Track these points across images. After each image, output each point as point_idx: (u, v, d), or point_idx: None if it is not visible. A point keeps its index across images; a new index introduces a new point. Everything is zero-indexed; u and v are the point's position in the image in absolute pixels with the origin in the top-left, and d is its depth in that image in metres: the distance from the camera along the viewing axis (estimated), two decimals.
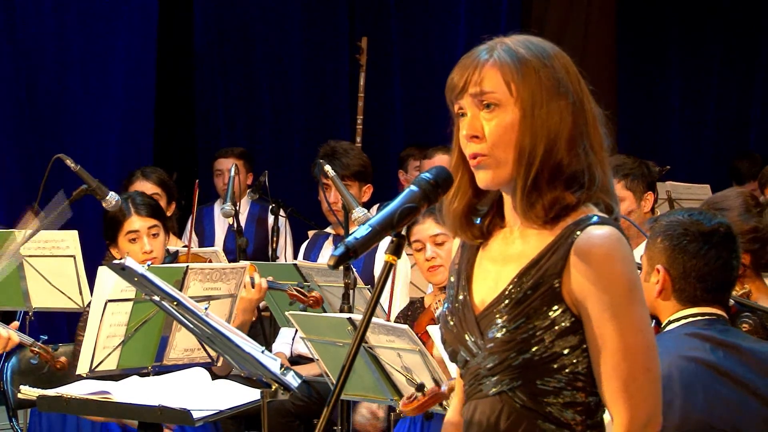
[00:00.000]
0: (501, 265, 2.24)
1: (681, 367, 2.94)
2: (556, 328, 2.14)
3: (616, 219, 2.20)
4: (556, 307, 2.15)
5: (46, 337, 4.34)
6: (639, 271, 3.05)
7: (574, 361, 2.15)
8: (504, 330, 2.17)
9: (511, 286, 2.18)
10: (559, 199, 2.16)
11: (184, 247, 5.65)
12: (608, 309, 2.11)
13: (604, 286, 2.10)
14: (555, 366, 2.15)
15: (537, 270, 2.17)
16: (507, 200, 2.24)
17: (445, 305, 2.33)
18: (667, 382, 2.73)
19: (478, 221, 2.29)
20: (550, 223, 2.18)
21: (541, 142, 2.14)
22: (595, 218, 2.15)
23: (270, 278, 4.66)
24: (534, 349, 2.15)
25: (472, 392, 2.27)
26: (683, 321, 3.03)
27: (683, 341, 2.99)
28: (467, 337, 2.25)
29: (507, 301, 2.18)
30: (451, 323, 2.29)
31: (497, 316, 2.19)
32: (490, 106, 2.17)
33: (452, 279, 2.34)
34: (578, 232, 2.13)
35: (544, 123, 2.14)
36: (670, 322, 3.05)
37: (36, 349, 4.26)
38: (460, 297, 2.28)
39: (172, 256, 5.00)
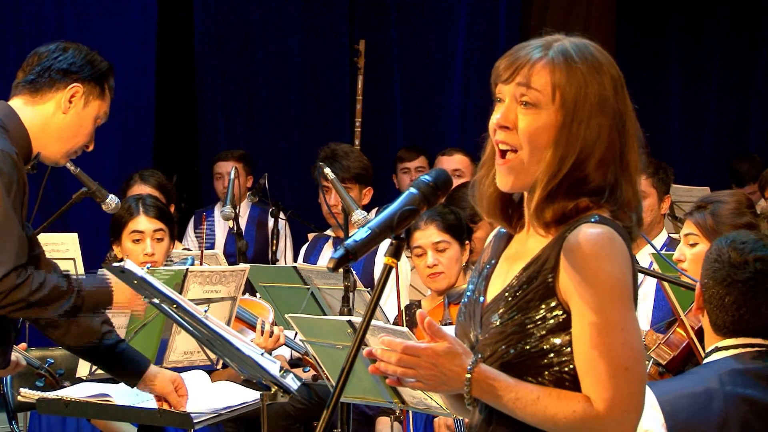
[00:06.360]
0: (512, 262, 2.26)
1: (738, 415, 2.85)
2: (548, 323, 2.15)
3: (629, 231, 2.18)
4: (548, 302, 2.15)
5: (53, 361, 4.35)
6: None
7: (563, 359, 2.15)
8: (498, 321, 2.18)
9: (514, 281, 2.19)
10: (566, 207, 2.15)
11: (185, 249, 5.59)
12: (590, 306, 2.10)
13: (587, 282, 2.10)
14: (543, 362, 2.15)
15: (536, 265, 2.17)
16: (526, 198, 2.24)
17: (464, 300, 2.34)
18: (724, 425, 2.76)
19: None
20: (555, 226, 2.18)
21: (572, 156, 2.14)
22: (595, 217, 2.15)
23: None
24: (524, 343, 2.15)
25: None
26: (732, 351, 2.94)
27: (737, 377, 2.90)
28: (471, 331, 2.26)
29: (506, 294, 2.19)
30: (461, 318, 2.32)
31: (496, 309, 2.20)
32: (528, 104, 2.16)
33: (474, 276, 2.35)
34: (573, 230, 2.13)
35: (579, 138, 2.14)
36: (718, 349, 2.97)
37: (42, 372, 4.29)
38: (476, 295, 2.30)
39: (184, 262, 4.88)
